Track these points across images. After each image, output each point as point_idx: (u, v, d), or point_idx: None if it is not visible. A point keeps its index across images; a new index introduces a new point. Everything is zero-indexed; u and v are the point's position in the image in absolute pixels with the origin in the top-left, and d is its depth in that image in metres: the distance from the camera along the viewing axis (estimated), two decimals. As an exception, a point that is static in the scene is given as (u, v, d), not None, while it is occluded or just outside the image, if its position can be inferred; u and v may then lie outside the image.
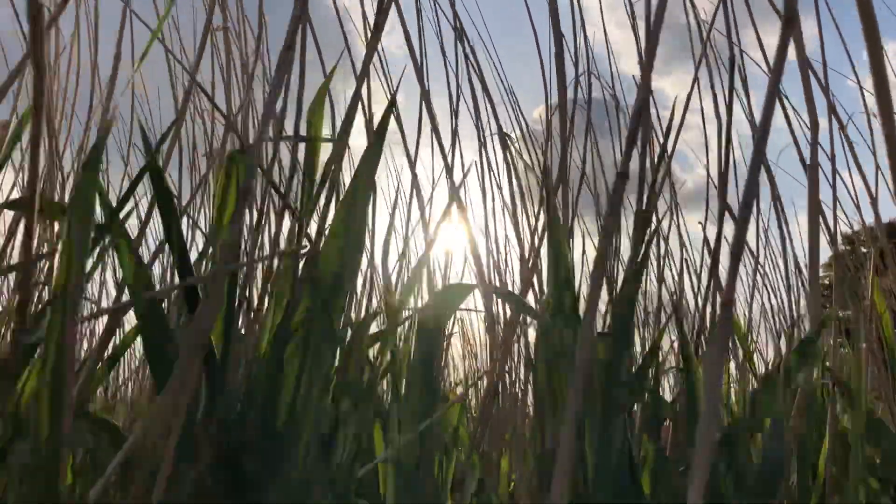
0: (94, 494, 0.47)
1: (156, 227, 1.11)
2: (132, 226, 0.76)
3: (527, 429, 0.98)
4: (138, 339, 0.96)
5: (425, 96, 0.90)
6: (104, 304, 1.25)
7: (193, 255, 0.76)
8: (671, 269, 1.16)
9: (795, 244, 1.18)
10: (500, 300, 1.02)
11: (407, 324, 0.84)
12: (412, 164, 0.95)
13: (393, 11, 0.72)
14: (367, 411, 0.71)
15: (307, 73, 0.77)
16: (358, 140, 0.94)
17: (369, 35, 0.72)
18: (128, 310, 0.86)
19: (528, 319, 1.03)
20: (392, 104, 0.72)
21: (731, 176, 0.97)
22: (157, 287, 0.68)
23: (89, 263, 0.69)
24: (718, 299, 0.98)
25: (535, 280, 0.96)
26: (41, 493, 0.47)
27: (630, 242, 0.79)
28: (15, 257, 0.90)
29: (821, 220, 0.98)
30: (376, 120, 0.71)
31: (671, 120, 0.94)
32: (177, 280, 0.67)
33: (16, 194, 1.09)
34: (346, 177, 0.76)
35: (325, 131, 0.75)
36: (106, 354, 0.83)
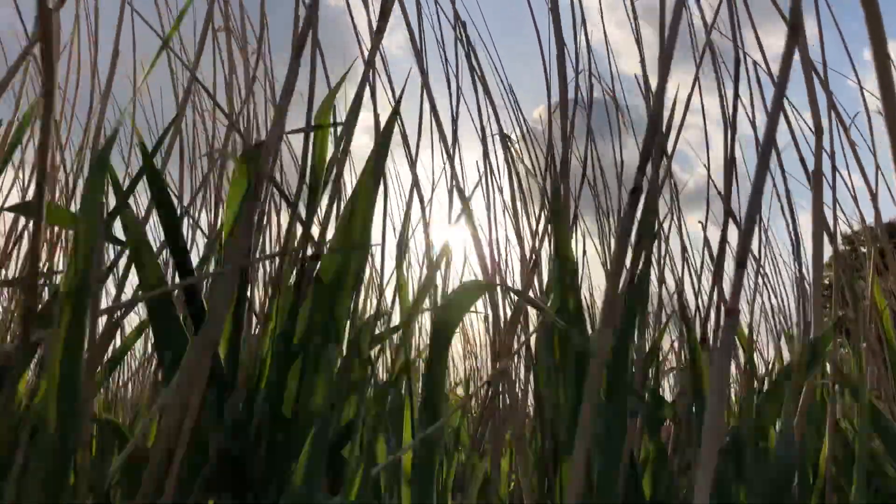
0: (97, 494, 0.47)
1: (156, 226, 1.11)
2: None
3: (527, 429, 0.98)
4: (139, 339, 0.96)
5: (433, 110, 0.89)
6: (104, 304, 1.24)
7: (194, 256, 0.76)
8: (672, 271, 1.16)
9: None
10: (503, 300, 1.02)
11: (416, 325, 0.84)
12: (412, 165, 0.95)
13: (394, 11, 0.72)
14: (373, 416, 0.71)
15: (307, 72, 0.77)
16: (358, 140, 0.94)
17: (370, 35, 0.72)
18: (129, 310, 0.86)
19: (528, 319, 1.03)
20: (396, 111, 0.72)
21: (732, 176, 0.97)
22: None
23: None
24: (720, 301, 0.98)
25: (535, 281, 0.96)
26: (49, 496, 0.47)
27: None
28: (14, 258, 0.90)
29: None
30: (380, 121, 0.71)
31: (671, 120, 0.94)
32: (177, 280, 0.67)
33: (15, 194, 1.09)
34: (347, 177, 0.76)
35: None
36: (106, 357, 0.82)
